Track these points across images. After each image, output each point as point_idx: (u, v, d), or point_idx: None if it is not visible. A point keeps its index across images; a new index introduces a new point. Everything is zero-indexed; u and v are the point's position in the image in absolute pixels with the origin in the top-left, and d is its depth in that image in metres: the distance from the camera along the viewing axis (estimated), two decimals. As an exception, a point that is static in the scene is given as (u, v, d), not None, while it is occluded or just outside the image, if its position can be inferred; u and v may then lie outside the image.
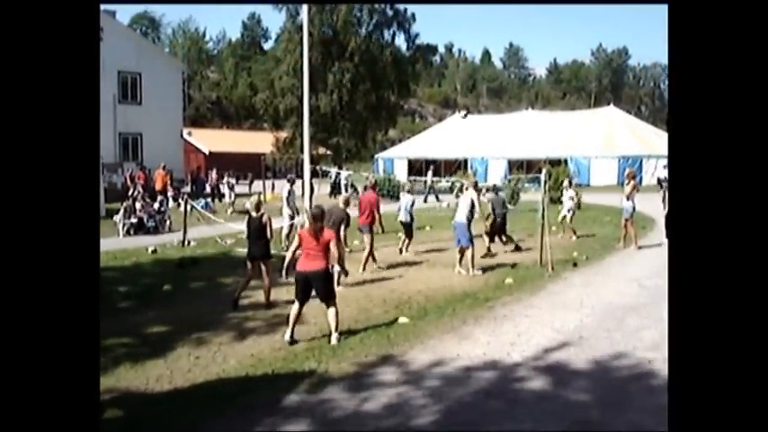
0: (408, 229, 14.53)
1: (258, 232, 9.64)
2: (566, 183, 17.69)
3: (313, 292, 7.90)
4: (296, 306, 7.87)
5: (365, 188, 14.07)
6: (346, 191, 31.04)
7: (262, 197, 11.46)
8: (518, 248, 14.70)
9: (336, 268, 10.80)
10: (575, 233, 16.65)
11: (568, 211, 16.74)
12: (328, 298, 7.87)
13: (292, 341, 7.76)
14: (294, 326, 7.87)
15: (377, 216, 12.93)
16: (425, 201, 29.08)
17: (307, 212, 8.36)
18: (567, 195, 16.93)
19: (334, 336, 7.79)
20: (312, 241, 7.78)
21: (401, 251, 14.40)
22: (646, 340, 7.59)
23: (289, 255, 8.14)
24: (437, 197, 29.09)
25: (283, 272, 8.39)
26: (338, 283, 10.80)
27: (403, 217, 14.52)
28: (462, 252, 12.12)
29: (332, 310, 7.83)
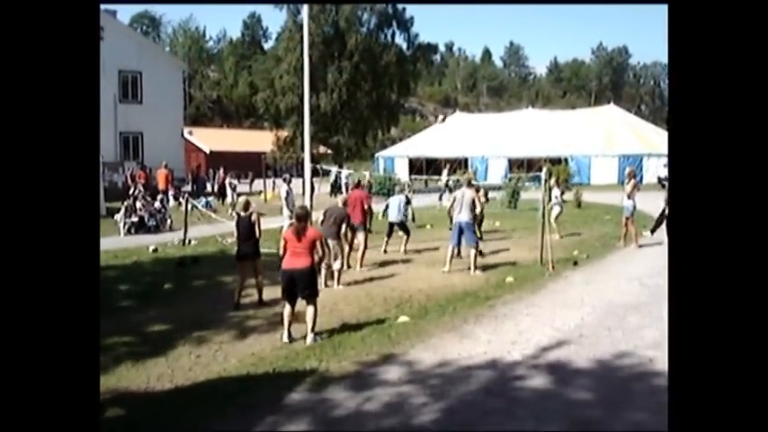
0: (403, 228, 14.48)
1: (248, 232, 9.74)
2: (552, 182, 17.43)
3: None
4: (287, 307, 7.93)
5: (359, 186, 14.04)
6: (347, 190, 30.96)
7: (253, 197, 11.52)
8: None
9: (336, 266, 10.85)
10: (556, 231, 16.38)
11: (555, 208, 16.68)
12: (310, 296, 7.94)
13: (291, 340, 7.81)
14: (290, 326, 7.92)
15: (368, 212, 12.93)
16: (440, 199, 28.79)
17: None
18: (554, 194, 16.79)
19: (310, 336, 7.81)
20: (295, 240, 7.92)
21: (386, 251, 14.25)
22: (647, 339, 7.59)
23: (281, 254, 8.17)
24: (441, 196, 28.96)
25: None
26: (338, 282, 10.84)
27: (394, 217, 14.39)
28: (454, 249, 12.22)
29: (311, 309, 7.88)
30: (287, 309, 7.93)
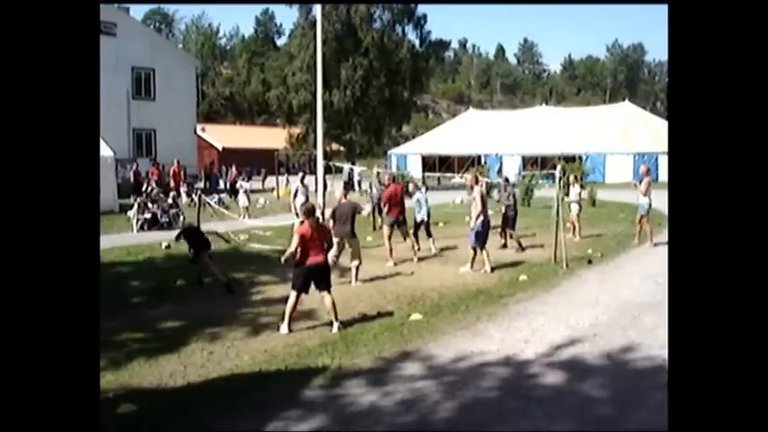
0: (427, 228, 14.22)
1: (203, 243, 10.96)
2: (571, 178, 17.15)
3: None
4: (294, 296, 8.09)
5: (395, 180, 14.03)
6: (359, 187, 30.96)
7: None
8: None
9: (354, 263, 10.84)
10: (577, 231, 16.12)
11: (576, 207, 16.34)
12: (328, 287, 8.25)
13: (290, 331, 8.01)
14: (291, 316, 8.10)
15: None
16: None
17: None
18: (574, 192, 16.53)
19: (336, 324, 8.10)
20: (316, 235, 8.15)
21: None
22: (661, 338, 7.46)
23: (291, 249, 8.14)
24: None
25: (282, 259, 8.57)
26: (356, 278, 10.82)
27: (420, 216, 14.05)
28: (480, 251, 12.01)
29: (330, 299, 8.17)
30: (293, 299, 8.08)
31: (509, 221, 14.48)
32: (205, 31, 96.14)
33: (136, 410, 5.62)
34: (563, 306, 9.24)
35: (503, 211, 14.58)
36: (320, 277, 8.20)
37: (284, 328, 8.02)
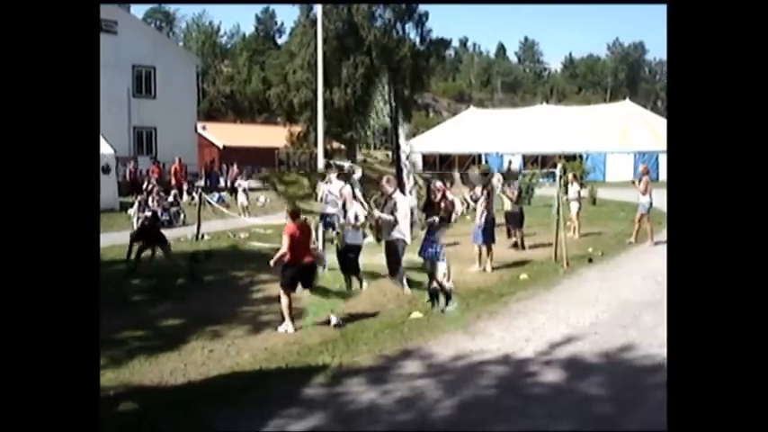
0: None
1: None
2: (570, 176, 17.08)
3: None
4: (287, 298, 8.13)
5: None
6: (361, 186, 30.89)
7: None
8: None
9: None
10: (576, 230, 16.13)
11: (575, 205, 16.33)
12: (312, 286, 8.55)
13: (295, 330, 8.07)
14: (291, 314, 8.14)
15: None
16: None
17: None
18: (573, 190, 16.54)
19: (334, 318, 8.21)
20: (303, 235, 8.38)
21: None
22: (661, 337, 7.43)
23: (283, 250, 8.20)
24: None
25: (272, 262, 8.55)
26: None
27: None
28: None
29: (308, 294, 8.47)
30: (287, 300, 8.11)
31: (516, 219, 14.40)
32: (206, 29, 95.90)
33: (136, 408, 5.63)
34: (563, 305, 9.24)
35: (509, 208, 14.51)
36: (308, 277, 8.40)
37: (289, 327, 8.02)
